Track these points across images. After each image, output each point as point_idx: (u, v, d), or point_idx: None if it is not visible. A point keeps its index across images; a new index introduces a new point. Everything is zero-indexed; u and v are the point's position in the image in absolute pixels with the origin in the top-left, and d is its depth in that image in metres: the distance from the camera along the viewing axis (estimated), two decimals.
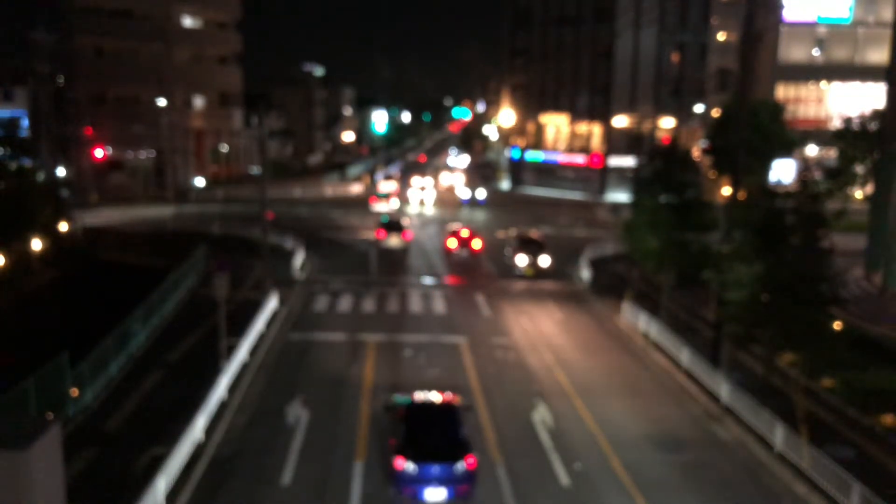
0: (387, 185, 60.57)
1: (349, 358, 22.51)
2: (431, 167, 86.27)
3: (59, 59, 54.89)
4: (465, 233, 38.61)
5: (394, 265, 36.09)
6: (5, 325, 28.90)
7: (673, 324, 24.98)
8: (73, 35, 56.26)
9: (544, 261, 34.31)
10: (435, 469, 14.15)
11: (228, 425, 17.59)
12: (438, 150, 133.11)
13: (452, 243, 38.51)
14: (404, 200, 57.49)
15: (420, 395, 16.31)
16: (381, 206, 52.88)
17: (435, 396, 16.29)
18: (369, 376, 20.98)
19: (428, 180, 62.81)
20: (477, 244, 38.46)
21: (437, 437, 14.86)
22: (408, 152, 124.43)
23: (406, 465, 14.15)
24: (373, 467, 15.72)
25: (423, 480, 14.12)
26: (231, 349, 20.78)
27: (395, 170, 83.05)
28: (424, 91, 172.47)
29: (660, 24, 62.72)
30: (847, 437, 17.78)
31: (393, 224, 39.48)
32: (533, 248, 34.93)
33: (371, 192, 59.89)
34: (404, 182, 64.58)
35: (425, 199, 58.28)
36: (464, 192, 59.98)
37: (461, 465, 14.19)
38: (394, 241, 38.89)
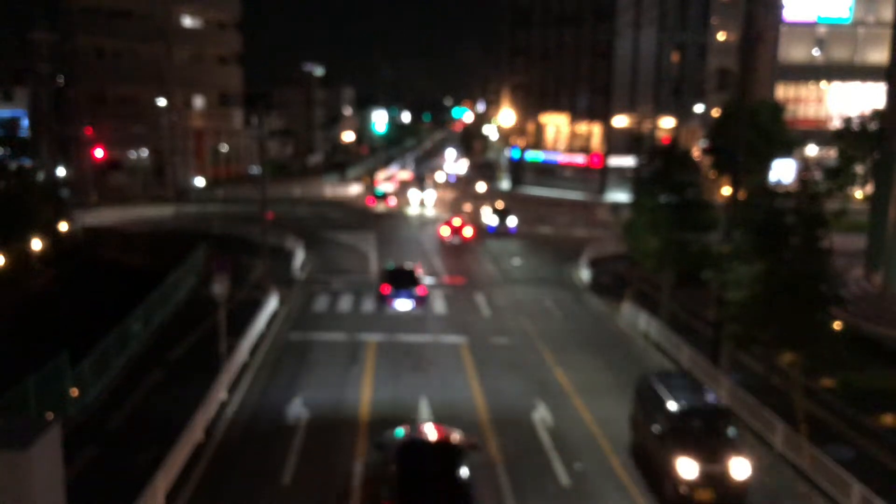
0: (402, 174, 79.03)
1: (349, 358, 22.51)
2: (429, 169, 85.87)
3: (59, 59, 54.89)
4: (457, 221, 42.60)
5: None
6: (5, 325, 28.90)
7: (673, 323, 24.99)
8: (73, 35, 56.24)
9: (740, 469, 14.11)
10: (403, 292, 27.44)
11: (228, 425, 17.59)
12: (438, 150, 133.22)
13: (445, 231, 42.41)
14: (405, 202, 57.57)
15: (400, 266, 29.41)
16: (383, 186, 64.87)
17: (407, 266, 29.36)
18: (369, 376, 20.98)
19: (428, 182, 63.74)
20: (468, 232, 42.17)
21: (403, 278, 28.03)
22: (407, 152, 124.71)
23: (389, 289, 27.41)
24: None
25: (396, 297, 27.38)
26: (231, 349, 20.77)
27: (410, 163, 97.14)
28: (424, 91, 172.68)
29: (659, 24, 62.71)
30: (847, 437, 17.78)
31: (382, 196, 56.77)
32: (708, 435, 14.73)
33: (376, 184, 69.10)
34: (419, 173, 75.74)
35: (425, 200, 58.26)
36: (490, 218, 46.52)
37: (416, 290, 27.61)
38: (380, 206, 55.26)
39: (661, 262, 25.03)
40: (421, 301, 27.74)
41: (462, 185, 71.53)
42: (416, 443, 13.97)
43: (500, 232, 45.34)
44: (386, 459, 13.74)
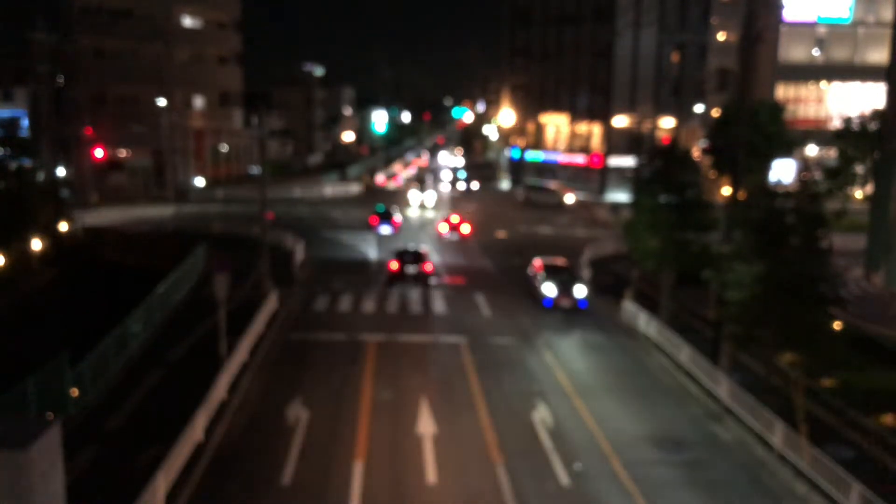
0: (420, 161, 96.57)
1: (349, 358, 22.50)
2: (433, 175, 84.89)
3: (59, 59, 54.83)
4: (454, 218, 43.78)
5: None
6: (5, 325, 28.90)
7: (673, 323, 24.99)
8: (73, 35, 56.20)
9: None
10: (384, 222, 43.49)
11: (228, 425, 17.58)
12: (437, 150, 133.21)
13: (443, 228, 43.54)
14: (405, 204, 57.58)
15: (384, 209, 44.01)
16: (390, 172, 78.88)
17: (388, 208, 44.63)
18: (369, 376, 20.98)
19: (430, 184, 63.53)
20: (466, 229, 43.22)
21: (385, 214, 43.81)
22: (407, 151, 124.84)
23: (376, 221, 43.72)
24: (373, 467, 15.73)
25: (380, 225, 43.37)
26: (231, 349, 20.78)
27: (424, 152, 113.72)
28: (424, 91, 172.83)
29: (659, 24, 62.75)
30: (847, 437, 17.79)
31: (387, 177, 71.63)
32: None
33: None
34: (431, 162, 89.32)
35: (426, 201, 58.20)
36: (545, 286, 28.56)
37: (392, 222, 43.62)
38: (389, 186, 67.91)
39: (661, 262, 25.02)
40: (396, 228, 43.57)
41: (486, 198, 64.00)
42: (407, 249, 31.69)
43: (563, 307, 28.28)
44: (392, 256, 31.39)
